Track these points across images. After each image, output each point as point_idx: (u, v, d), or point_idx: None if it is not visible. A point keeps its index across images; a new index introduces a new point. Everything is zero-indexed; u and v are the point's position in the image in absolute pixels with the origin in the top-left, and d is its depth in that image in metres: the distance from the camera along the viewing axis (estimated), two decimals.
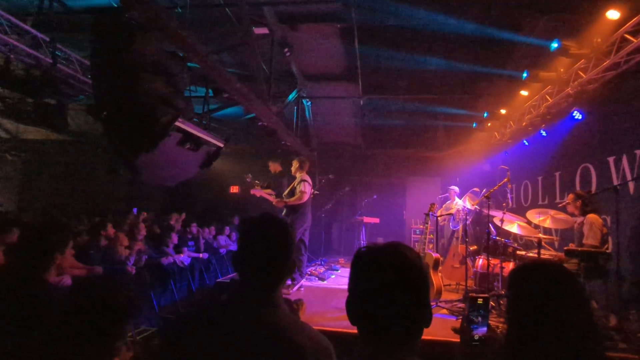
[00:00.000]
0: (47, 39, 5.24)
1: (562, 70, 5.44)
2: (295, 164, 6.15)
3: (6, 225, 4.69)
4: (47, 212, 9.17)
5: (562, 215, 4.73)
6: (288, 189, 6.15)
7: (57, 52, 5.31)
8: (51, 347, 1.29)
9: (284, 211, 6.01)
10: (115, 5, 5.45)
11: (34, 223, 2.81)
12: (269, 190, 6.40)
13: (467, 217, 6.52)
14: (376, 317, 0.97)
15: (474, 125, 8.43)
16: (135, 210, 8.84)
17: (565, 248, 4.27)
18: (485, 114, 7.77)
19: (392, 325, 0.95)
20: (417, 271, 0.98)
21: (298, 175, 6.05)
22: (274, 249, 1.22)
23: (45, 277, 2.10)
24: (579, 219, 4.45)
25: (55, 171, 12.00)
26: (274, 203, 6.17)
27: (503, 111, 7.36)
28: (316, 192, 7.03)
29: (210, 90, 5.59)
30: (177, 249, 6.89)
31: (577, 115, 5.46)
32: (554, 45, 4.88)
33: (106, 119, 3.61)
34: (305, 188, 5.82)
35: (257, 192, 6.39)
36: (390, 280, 0.96)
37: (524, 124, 6.86)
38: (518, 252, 5.04)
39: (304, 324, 1.18)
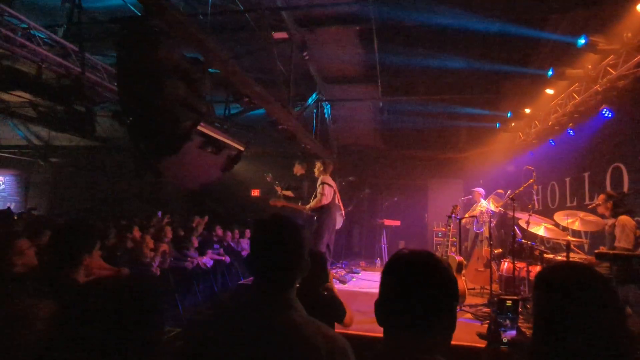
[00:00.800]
0: (76, 49, 5.45)
1: (590, 67, 5.26)
2: (318, 166, 6.16)
3: (39, 228, 4.89)
4: (77, 215, 9.50)
5: (591, 217, 4.55)
6: (314, 194, 6.16)
7: (85, 61, 5.52)
8: (79, 346, 1.32)
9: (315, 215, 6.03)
10: (139, 14, 5.62)
11: (61, 225, 2.92)
12: (288, 192, 6.42)
13: (491, 219, 6.37)
14: (404, 317, 1.00)
15: (498, 125, 8.24)
16: (160, 213, 9.05)
17: (596, 251, 4.10)
18: (508, 114, 7.58)
19: (418, 326, 0.99)
20: (447, 277, 1.04)
21: (321, 177, 6.06)
22: (285, 250, 1.23)
23: (75, 277, 2.17)
24: (610, 221, 4.28)
25: (84, 175, 12.45)
26: (299, 209, 6.20)
27: (527, 110, 7.17)
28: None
29: (231, 95, 5.68)
30: (201, 251, 7.01)
31: (607, 113, 5.25)
32: (581, 41, 4.71)
33: (131, 124, 3.73)
34: (324, 190, 5.84)
35: (278, 202, 6.39)
36: (421, 282, 1.01)
37: (550, 123, 6.66)
38: (545, 255, 4.88)
39: (319, 323, 1.18)
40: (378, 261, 9.12)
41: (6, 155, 12.26)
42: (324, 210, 5.88)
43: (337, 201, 6.21)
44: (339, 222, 6.46)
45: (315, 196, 5.97)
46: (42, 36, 5.26)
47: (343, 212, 6.68)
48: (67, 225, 2.64)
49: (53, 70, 5.44)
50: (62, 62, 5.37)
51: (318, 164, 6.19)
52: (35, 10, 6.17)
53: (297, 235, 1.26)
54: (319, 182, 5.99)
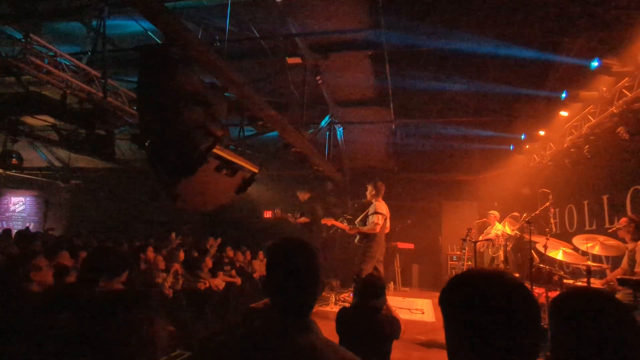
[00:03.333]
0: (99, 75, 5.69)
1: (604, 89, 5.24)
2: (370, 190, 5.99)
3: (56, 248, 4.99)
4: (94, 236, 9.65)
5: (612, 242, 4.43)
6: (361, 216, 6.06)
7: (107, 87, 5.74)
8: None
9: (357, 238, 5.94)
10: (160, 42, 5.87)
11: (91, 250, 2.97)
12: (303, 219, 6.42)
13: (507, 242, 6.25)
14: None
15: (511, 147, 8.19)
16: (173, 234, 9.13)
17: (618, 277, 3.98)
18: (522, 136, 7.54)
19: None
20: (528, 305, 0.89)
21: (374, 201, 5.91)
22: (300, 273, 1.24)
23: (85, 298, 2.19)
24: (631, 245, 4.16)
25: (102, 197, 12.71)
26: (347, 230, 6.17)
27: (542, 132, 7.12)
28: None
29: (245, 118, 5.81)
30: (213, 273, 7.00)
31: (624, 134, 5.18)
32: (594, 64, 4.72)
33: (149, 146, 3.84)
34: (377, 220, 5.71)
35: (329, 221, 6.32)
36: (498, 316, 0.85)
37: (566, 145, 6.59)
38: (565, 280, 4.74)
39: (338, 346, 1.18)
40: (391, 285, 8.96)
41: (28, 176, 12.65)
42: (372, 237, 5.77)
43: (386, 227, 6.03)
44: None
45: (366, 222, 5.87)
46: (67, 63, 5.51)
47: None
48: (92, 250, 2.71)
49: (77, 95, 5.66)
50: (85, 88, 5.60)
51: (370, 188, 6.00)
52: (62, 38, 6.50)
53: (312, 258, 1.27)
54: (373, 210, 5.83)
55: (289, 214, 6.59)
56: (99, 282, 2.20)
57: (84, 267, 2.24)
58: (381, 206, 5.87)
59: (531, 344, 0.86)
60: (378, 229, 5.74)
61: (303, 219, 6.52)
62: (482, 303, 0.87)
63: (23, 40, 5.00)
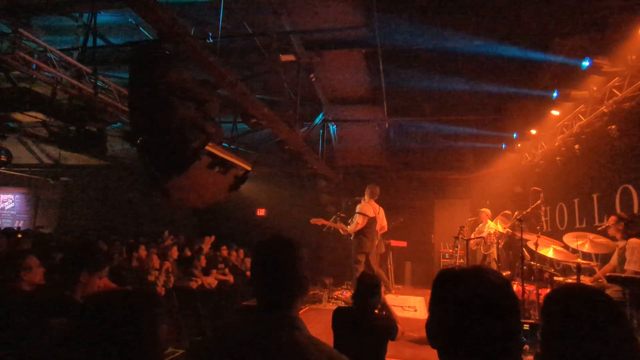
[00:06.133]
0: (90, 71, 5.61)
1: (595, 88, 5.29)
2: (366, 191, 6.89)
3: (48, 247, 4.93)
4: (84, 234, 9.54)
5: (602, 239, 4.49)
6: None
7: (98, 83, 5.66)
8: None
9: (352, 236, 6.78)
10: (152, 38, 5.81)
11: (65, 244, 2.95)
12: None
13: (499, 240, 6.30)
14: (461, 343, 0.93)
15: (504, 146, 8.24)
16: (166, 232, 9.06)
17: (607, 274, 4.04)
18: (514, 135, 7.60)
19: (478, 353, 0.91)
20: (506, 296, 0.95)
21: (358, 206, 6.78)
22: (282, 269, 1.24)
23: (71, 295, 2.15)
24: (621, 243, 4.22)
25: (93, 194, 12.57)
26: (341, 232, 7.08)
27: (533, 131, 7.17)
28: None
29: (239, 115, 5.78)
30: (206, 272, 6.96)
31: (614, 134, 5.24)
32: (585, 63, 4.77)
33: (141, 143, 3.80)
34: (357, 219, 6.59)
35: (319, 221, 7.13)
36: (476, 305, 0.93)
37: (557, 144, 6.65)
38: (555, 277, 4.80)
39: (323, 343, 1.18)
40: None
41: (17, 173, 12.46)
42: (357, 235, 6.53)
43: (377, 227, 6.80)
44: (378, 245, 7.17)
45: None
46: (57, 58, 5.42)
47: (379, 234, 7.15)
48: (69, 245, 2.68)
49: (67, 91, 5.58)
50: (75, 84, 5.52)
51: (367, 189, 6.91)
52: (53, 33, 6.39)
53: (294, 254, 1.27)
54: (357, 210, 6.67)
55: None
56: (79, 278, 2.17)
57: (65, 263, 2.21)
58: (364, 207, 6.64)
59: (511, 341, 0.92)
60: (358, 227, 6.54)
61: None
62: (461, 301, 0.94)
63: (12, 34, 4.91)
